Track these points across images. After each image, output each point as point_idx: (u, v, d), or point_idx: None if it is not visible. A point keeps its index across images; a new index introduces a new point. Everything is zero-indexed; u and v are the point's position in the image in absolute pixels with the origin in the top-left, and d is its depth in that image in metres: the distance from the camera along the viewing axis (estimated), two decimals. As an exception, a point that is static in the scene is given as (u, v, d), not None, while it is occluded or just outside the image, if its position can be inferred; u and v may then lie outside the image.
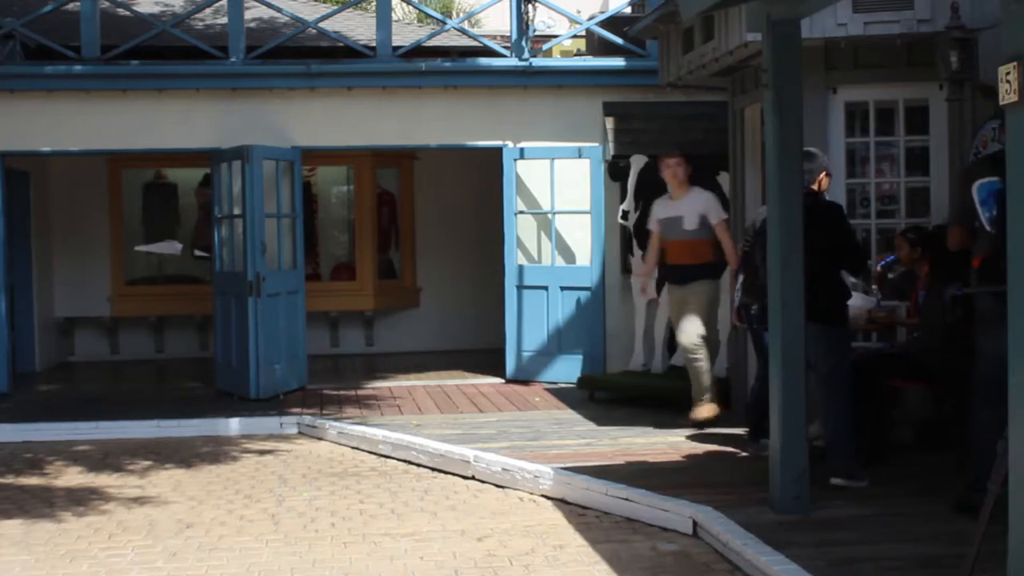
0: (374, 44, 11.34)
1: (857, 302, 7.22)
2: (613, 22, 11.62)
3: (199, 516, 6.54)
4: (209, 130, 10.92)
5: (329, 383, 11.28)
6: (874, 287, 7.68)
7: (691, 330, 8.21)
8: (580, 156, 10.97)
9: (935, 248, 6.89)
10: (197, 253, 13.89)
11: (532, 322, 11.02)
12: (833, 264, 6.51)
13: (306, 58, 11.48)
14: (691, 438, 8.01)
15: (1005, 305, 5.30)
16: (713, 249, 8.42)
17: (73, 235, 13.62)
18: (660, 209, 8.57)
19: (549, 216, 11.12)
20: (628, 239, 10.61)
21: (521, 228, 11.22)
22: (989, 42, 6.83)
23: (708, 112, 10.76)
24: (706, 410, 8.22)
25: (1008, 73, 3.76)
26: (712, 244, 8.40)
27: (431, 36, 12.40)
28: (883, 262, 7.60)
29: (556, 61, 12.19)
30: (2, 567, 5.56)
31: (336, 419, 9.16)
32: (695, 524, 5.83)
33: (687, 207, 8.36)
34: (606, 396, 9.87)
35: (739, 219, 8.78)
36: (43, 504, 6.90)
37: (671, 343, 10.22)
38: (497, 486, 7.18)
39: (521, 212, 11.22)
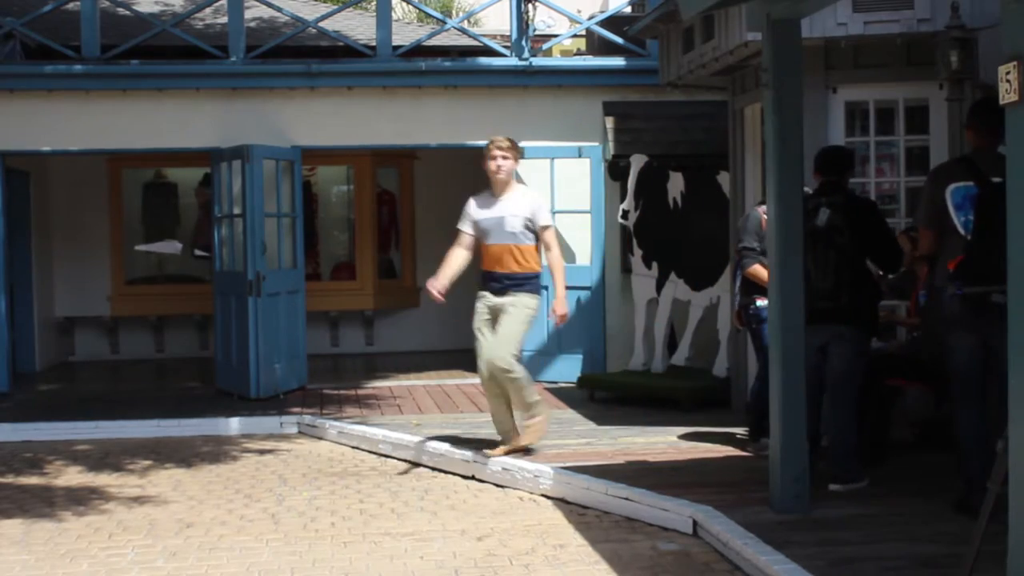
0: (374, 44, 11.35)
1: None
2: (613, 22, 11.63)
3: (199, 516, 6.54)
4: (209, 130, 10.92)
5: (329, 383, 11.28)
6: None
7: (503, 350, 7.17)
8: (580, 156, 10.97)
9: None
10: (197, 253, 13.88)
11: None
12: (866, 262, 6.38)
13: (306, 58, 11.48)
14: (691, 438, 8.00)
15: (973, 306, 5.35)
16: (539, 258, 7.45)
17: (73, 235, 13.63)
18: (478, 208, 7.42)
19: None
20: (628, 238, 10.60)
21: (521, 228, 11.20)
22: (989, 42, 6.83)
23: (708, 112, 10.77)
24: (501, 450, 7.43)
25: (1008, 72, 3.76)
26: (538, 252, 7.42)
27: (431, 36, 12.40)
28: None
29: (556, 61, 12.19)
30: (2, 566, 5.56)
31: (336, 419, 9.16)
32: (695, 524, 5.83)
33: (511, 207, 7.29)
34: (606, 396, 9.87)
35: (739, 219, 8.77)
36: (43, 504, 6.90)
37: (671, 343, 10.23)
38: (497, 485, 7.18)
39: (521, 212, 11.20)
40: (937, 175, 5.88)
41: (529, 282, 7.30)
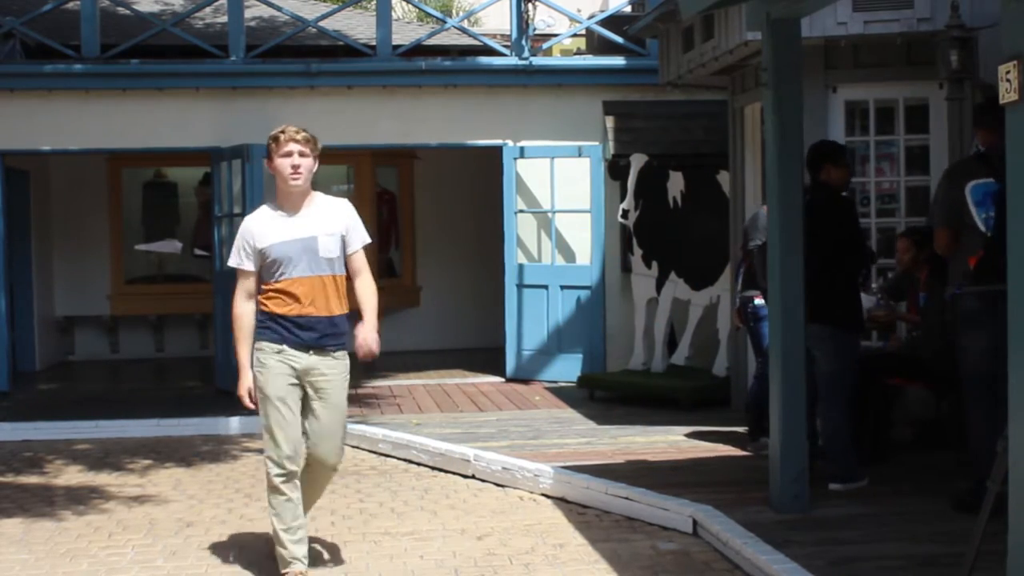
0: (374, 43, 11.34)
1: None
2: (613, 21, 11.63)
3: (199, 515, 6.54)
4: (209, 129, 10.92)
5: (329, 382, 11.26)
6: (874, 286, 7.67)
7: (339, 443, 5.28)
8: (580, 155, 10.97)
9: (933, 247, 6.87)
10: (197, 252, 13.88)
11: (532, 321, 11.02)
12: (838, 261, 6.32)
13: (306, 57, 11.48)
14: (691, 437, 8.01)
15: (989, 305, 5.34)
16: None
17: (73, 234, 13.62)
18: (266, 230, 5.13)
19: (549, 215, 11.11)
20: (628, 238, 10.61)
21: (521, 227, 11.22)
22: (989, 41, 6.83)
23: (708, 111, 10.77)
24: None
25: (1008, 72, 3.76)
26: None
27: (431, 35, 12.39)
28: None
29: (556, 60, 12.19)
30: (2, 566, 5.56)
31: (336, 418, 9.15)
32: (695, 523, 5.83)
33: (321, 223, 5.15)
34: (606, 395, 9.87)
35: (739, 219, 8.78)
36: (43, 503, 6.90)
37: (671, 342, 10.23)
38: (497, 485, 7.18)
39: (521, 211, 11.22)
40: (953, 173, 5.87)
41: (345, 332, 5.22)
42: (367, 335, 5.18)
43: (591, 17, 12.16)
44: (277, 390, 5.11)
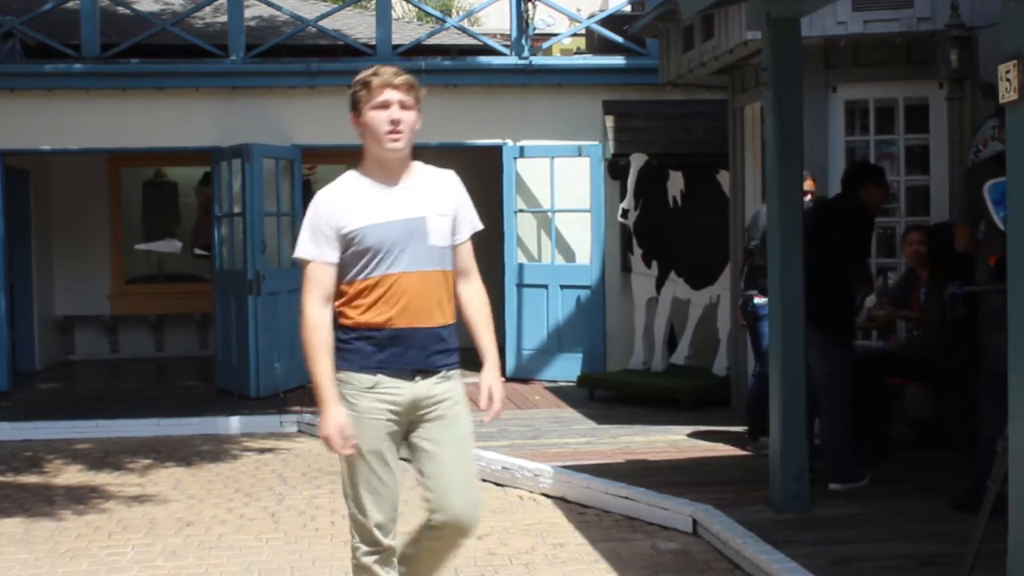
0: (374, 43, 11.35)
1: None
2: (613, 20, 11.62)
3: (199, 514, 6.54)
4: (209, 128, 10.92)
5: (329, 381, 11.26)
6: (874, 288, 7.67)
7: (476, 494, 3.80)
8: (580, 154, 10.97)
9: (934, 246, 6.88)
10: (197, 252, 13.90)
11: (532, 320, 11.02)
12: (832, 266, 6.28)
13: (306, 56, 11.48)
14: (691, 436, 8.01)
15: None
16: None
17: (73, 233, 13.63)
18: (357, 204, 3.68)
19: (549, 214, 11.11)
20: (628, 237, 10.61)
21: (521, 226, 11.22)
22: (989, 40, 6.82)
23: (708, 110, 10.78)
24: None
25: (1008, 71, 3.76)
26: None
27: (431, 34, 12.39)
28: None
29: (556, 59, 12.19)
30: (2, 565, 5.56)
31: (336, 417, 9.15)
32: (695, 522, 5.83)
33: (427, 199, 3.75)
34: (606, 395, 9.87)
35: (739, 219, 8.78)
36: (43, 502, 6.90)
37: (671, 342, 10.23)
38: (497, 484, 7.18)
39: (521, 210, 11.22)
40: (973, 173, 5.89)
41: (458, 348, 3.80)
42: (494, 385, 3.74)
43: (591, 17, 12.15)
44: (371, 441, 3.67)
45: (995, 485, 4.16)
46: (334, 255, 3.67)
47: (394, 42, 11.25)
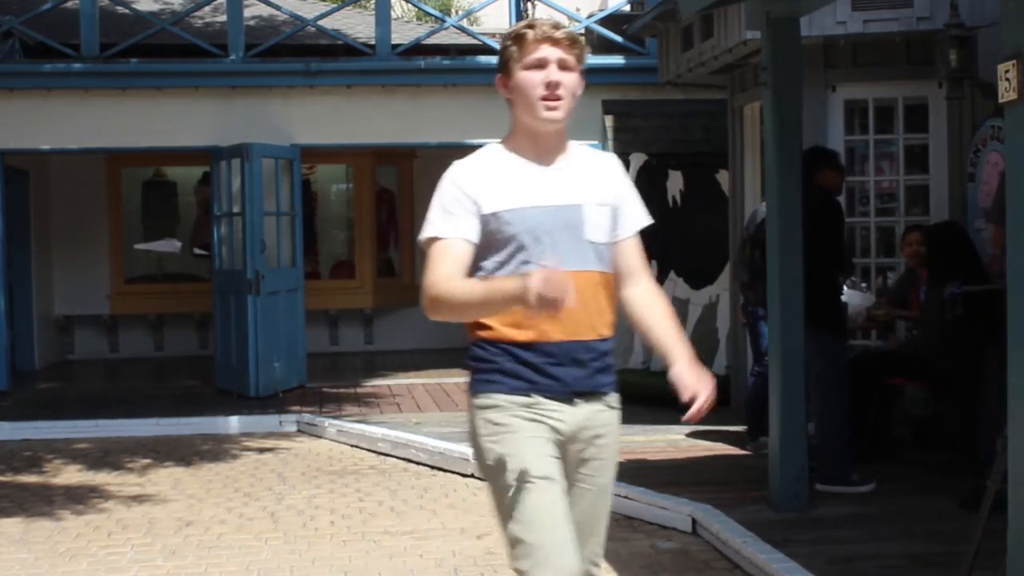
0: (373, 42, 11.34)
1: (855, 300, 7.21)
2: (612, 20, 11.62)
3: (198, 514, 6.54)
4: (208, 128, 10.91)
5: (328, 381, 11.28)
6: (864, 285, 7.67)
7: (600, 548, 3.19)
8: (579, 154, 10.94)
9: (933, 246, 6.88)
10: (196, 251, 13.90)
11: (531, 320, 10.99)
12: (821, 264, 6.18)
13: (305, 56, 11.48)
14: (690, 436, 8.00)
15: None
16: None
17: (72, 233, 13.62)
18: (501, 181, 3.00)
19: (548, 214, 11.09)
20: (627, 237, 10.59)
21: (520, 226, 11.20)
22: (988, 40, 6.82)
23: (707, 110, 10.76)
24: None
25: (1007, 71, 3.76)
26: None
27: (430, 34, 12.39)
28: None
29: (555, 59, 12.16)
30: (1, 565, 5.56)
31: (335, 417, 9.16)
32: (694, 522, 5.83)
33: (586, 185, 3.07)
34: (605, 394, 9.85)
35: (739, 219, 8.78)
36: (42, 502, 6.90)
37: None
38: (496, 484, 7.16)
39: (520, 210, 11.19)
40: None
41: (616, 363, 3.19)
42: (697, 378, 3.19)
43: (590, 16, 12.15)
44: (537, 465, 2.90)
45: (995, 484, 4.17)
46: (472, 232, 2.92)
47: (393, 42, 11.25)
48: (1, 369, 10.87)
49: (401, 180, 14.26)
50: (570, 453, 2.99)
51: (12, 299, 11.53)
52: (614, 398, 3.10)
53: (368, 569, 5.40)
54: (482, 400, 2.97)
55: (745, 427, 7.64)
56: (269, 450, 8.47)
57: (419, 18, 22.70)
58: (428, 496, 6.91)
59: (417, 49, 11.88)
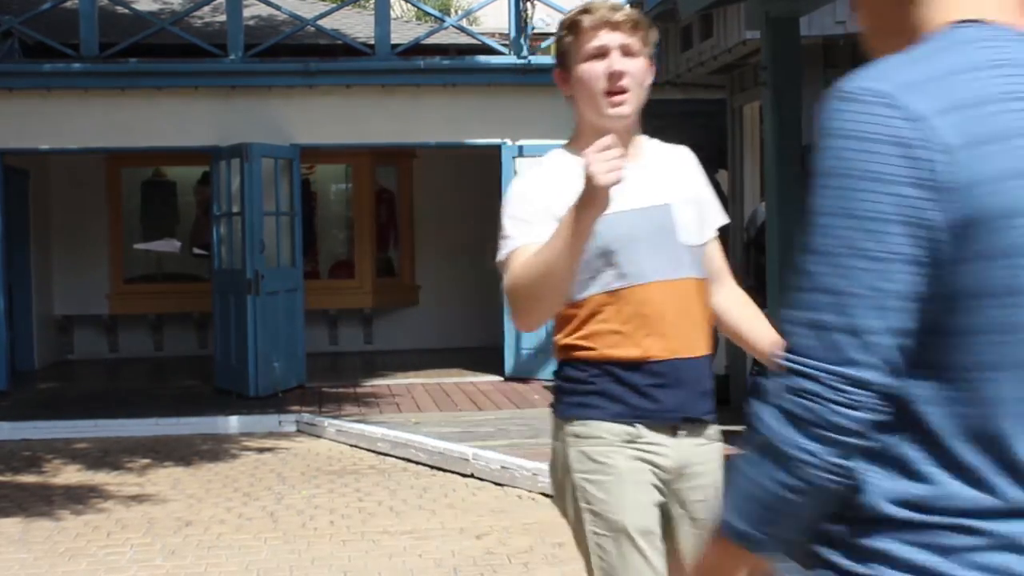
0: (373, 42, 11.35)
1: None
2: (612, 20, 11.61)
3: (198, 514, 6.54)
4: (208, 128, 10.92)
5: (328, 381, 11.28)
6: None
7: None
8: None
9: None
10: (196, 251, 13.90)
11: (531, 320, 11.00)
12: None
13: (305, 56, 11.48)
14: (690, 436, 8.00)
15: None
16: None
17: (72, 233, 13.62)
18: (570, 191, 2.44)
19: (548, 214, 11.10)
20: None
21: (520, 226, 11.21)
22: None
23: (707, 110, 10.75)
24: None
25: (1007, 71, 3.76)
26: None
27: (430, 34, 12.40)
28: None
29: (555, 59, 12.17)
30: (1, 565, 5.56)
31: (335, 417, 9.16)
32: (694, 522, 5.82)
33: (668, 181, 2.71)
34: (605, 394, 9.86)
35: (738, 219, 8.78)
36: (42, 502, 6.90)
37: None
38: (496, 484, 7.18)
39: (520, 210, 11.20)
40: None
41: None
42: None
43: (590, 16, 12.14)
44: (638, 517, 2.58)
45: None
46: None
47: (393, 41, 11.25)
48: (1, 369, 10.87)
49: (401, 180, 14.27)
50: (672, 492, 2.66)
51: (12, 299, 11.53)
52: (715, 430, 2.75)
53: (367, 569, 5.40)
54: (578, 428, 2.60)
55: (744, 427, 7.63)
56: (268, 450, 8.47)
57: (419, 18, 22.71)
58: (427, 496, 6.91)
59: (416, 49, 11.89)
